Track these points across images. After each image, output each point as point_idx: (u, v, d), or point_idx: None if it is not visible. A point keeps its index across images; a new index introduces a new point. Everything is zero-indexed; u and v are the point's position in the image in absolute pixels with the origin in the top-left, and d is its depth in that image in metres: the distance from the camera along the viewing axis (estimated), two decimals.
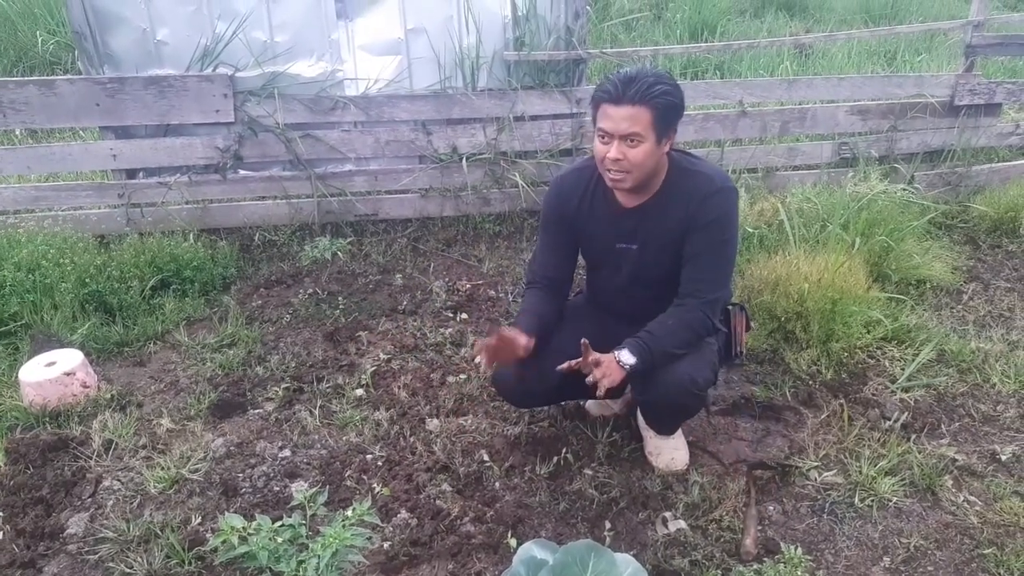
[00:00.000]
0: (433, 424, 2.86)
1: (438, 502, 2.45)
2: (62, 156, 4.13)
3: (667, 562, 2.21)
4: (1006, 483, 2.56)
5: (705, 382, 2.37)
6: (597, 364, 2.21)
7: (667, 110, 2.14)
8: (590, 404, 2.90)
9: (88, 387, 3.00)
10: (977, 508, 2.45)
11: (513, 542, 2.22)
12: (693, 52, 6.46)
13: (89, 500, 2.50)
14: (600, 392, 2.22)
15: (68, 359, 2.98)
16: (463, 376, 3.17)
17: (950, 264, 4.08)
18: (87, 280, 3.56)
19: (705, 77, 6.47)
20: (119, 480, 2.57)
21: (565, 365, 2.25)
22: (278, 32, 4.17)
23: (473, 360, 2.35)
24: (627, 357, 2.23)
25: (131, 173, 4.27)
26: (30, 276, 3.47)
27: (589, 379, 2.22)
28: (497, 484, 2.54)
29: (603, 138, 2.19)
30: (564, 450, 2.63)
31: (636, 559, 1.81)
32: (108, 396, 3.00)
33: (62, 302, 3.46)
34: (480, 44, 4.31)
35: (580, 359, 2.22)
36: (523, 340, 2.31)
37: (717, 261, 2.33)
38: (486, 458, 2.65)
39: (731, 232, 2.34)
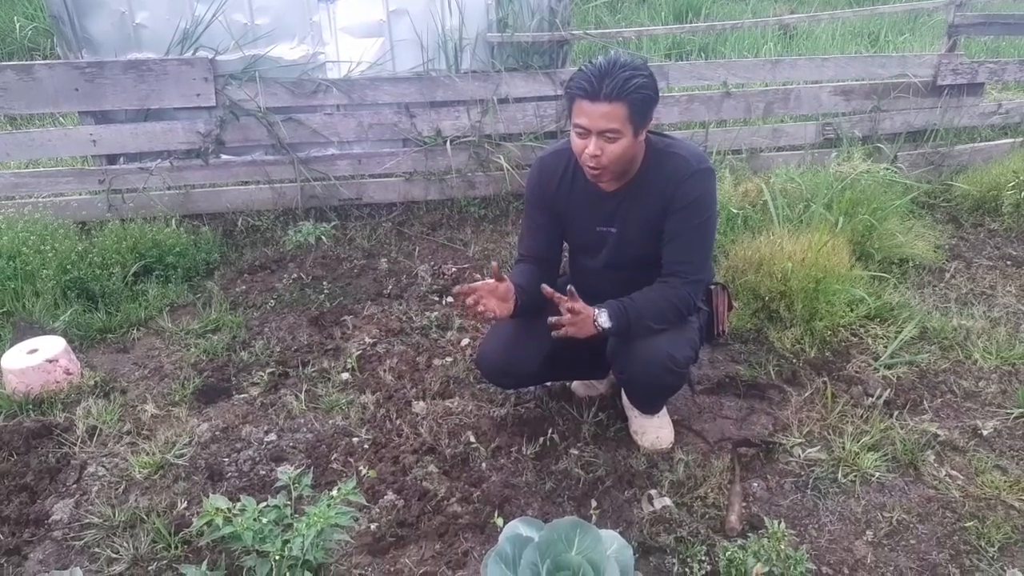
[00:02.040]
0: (419, 407, 2.86)
1: (424, 483, 2.45)
2: (41, 142, 4.08)
3: (653, 539, 2.22)
4: (987, 457, 2.58)
5: (685, 360, 2.38)
6: (574, 312, 2.17)
7: (643, 103, 2.12)
8: (576, 385, 2.90)
9: (71, 374, 2.98)
10: (959, 482, 2.48)
11: (500, 521, 2.21)
12: (677, 33, 6.45)
13: (74, 486, 2.49)
14: (557, 333, 2.18)
15: (51, 346, 2.96)
16: (449, 359, 3.17)
17: (932, 243, 4.11)
18: (68, 267, 3.52)
19: (690, 58, 6.46)
20: (104, 466, 2.56)
21: (548, 291, 2.17)
22: (259, 15, 4.13)
23: (457, 297, 2.24)
24: (604, 320, 2.22)
25: (111, 159, 4.24)
26: (11, 263, 3.43)
27: (552, 319, 2.17)
28: (483, 465, 2.54)
29: (580, 133, 2.18)
30: (550, 430, 2.64)
31: (622, 536, 1.83)
32: (91, 383, 2.98)
33: (44, 289, 3.43)
34: (463, 26, 4.29)
35: (565, 296, 2.17)
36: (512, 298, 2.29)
37: (698, 241, 2.34)
38: (472, 439, 2.65)
39: (710, 212, 2.34)
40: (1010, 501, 2.38)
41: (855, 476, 2.48)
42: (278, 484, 1.95)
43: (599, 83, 2.07)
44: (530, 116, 4.49)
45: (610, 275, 2.49)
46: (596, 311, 2.24)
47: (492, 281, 2.23)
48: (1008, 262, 4.08)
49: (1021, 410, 2.80)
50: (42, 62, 3.98)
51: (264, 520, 1.77)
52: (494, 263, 2.29)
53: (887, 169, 4.32)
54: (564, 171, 2.41)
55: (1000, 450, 2.64)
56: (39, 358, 2.89)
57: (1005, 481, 2.46)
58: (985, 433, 2.71)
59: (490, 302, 2.23)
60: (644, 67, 2.14)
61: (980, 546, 2.23)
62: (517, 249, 2.64)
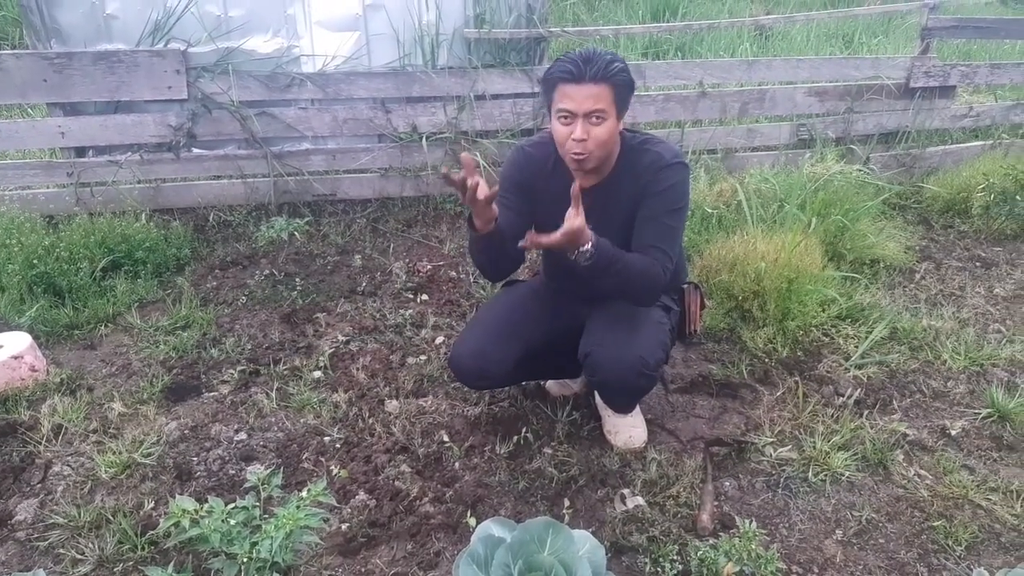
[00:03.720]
0: (392, 405, 2.84)
1: (397, 483, 2.43)
2: (8, 133, 4.00)
3: (625, 538, 2.22)
4: (955, 457, 2.62)
5: (656, 362, 2.37)
6: (575, 230, 2.01)
7: (624, 87, 2.17)
8: (550, 384, 2.90)
9: (37, 371, 2.92)
10: (927, 482, 2.51)
11: (472, 521, 2.21)
12: (654, 32, 6.45)
13: (38, 486, 2.44)
14: (535, 239, 2.03)
15: (16, 342, 2.91)
16: (423, 357, 3.15)
17: (903, 244, 4.16)
18: (35, 261, 3.45)
19: (666, 58, 6.48)
20: (69, 465, 2.51)
21: (531, 241, 2.04)
22: (232, 6, 4.07)
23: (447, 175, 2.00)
24: (589, 241, 2.09)
25: (80, 151, 4.16)
26: None
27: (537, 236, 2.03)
28: (457, 464, 2.53)
29: (565, 118, 2.17)
30: (524, 429, 2.63)
31: (594, 536, 1.82)
32: (57, 380, 2.92)
33: (9, 284, 3.36)
34: (440, 21, 4.27)
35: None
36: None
37: (669, 229, 2.31)
38: (446, 439, 2.64)
39: (683, 203, 2.34)
40: (977, 500, 2.41)
41: (825, 475, 2.50)
42: (247, 484, 1.92)
43: (584, 66, 2.10)
44: (507, 113, 4.48)
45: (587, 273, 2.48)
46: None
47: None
48: (977, 263, 4.14)
49: (989, 410, 2.83)
50: (10, 52, 3.91)
51: (232, 521, 1.74)
52: (465, 155, 2.12)
53: (860, 170, 4.36)
54: (546, 163, 2.39)
55: (968, 450, 2.67)
56: (4, 354, 2.84)
57: (972, 480, 2.49)
58: (953, 433, 2.74)
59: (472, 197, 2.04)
60: (620, 57, 2.19)
61: (948, 545, 2.25)
62: None
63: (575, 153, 2.20)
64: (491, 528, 1.81)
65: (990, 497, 2.42)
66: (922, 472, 2.55)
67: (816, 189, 4.00)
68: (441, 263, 3.99)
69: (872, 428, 2.73)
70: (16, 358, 2.85)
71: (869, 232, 3.99)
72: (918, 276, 3.95)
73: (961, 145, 5.31)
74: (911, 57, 5.00)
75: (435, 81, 4.31)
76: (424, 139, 4.40)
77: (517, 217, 2.46)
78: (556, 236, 2.01)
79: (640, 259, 2.24)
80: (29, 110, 5.13)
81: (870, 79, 4.94)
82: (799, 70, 4.88)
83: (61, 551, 2.17)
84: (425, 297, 3.66)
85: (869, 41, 7.43)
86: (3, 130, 4.00)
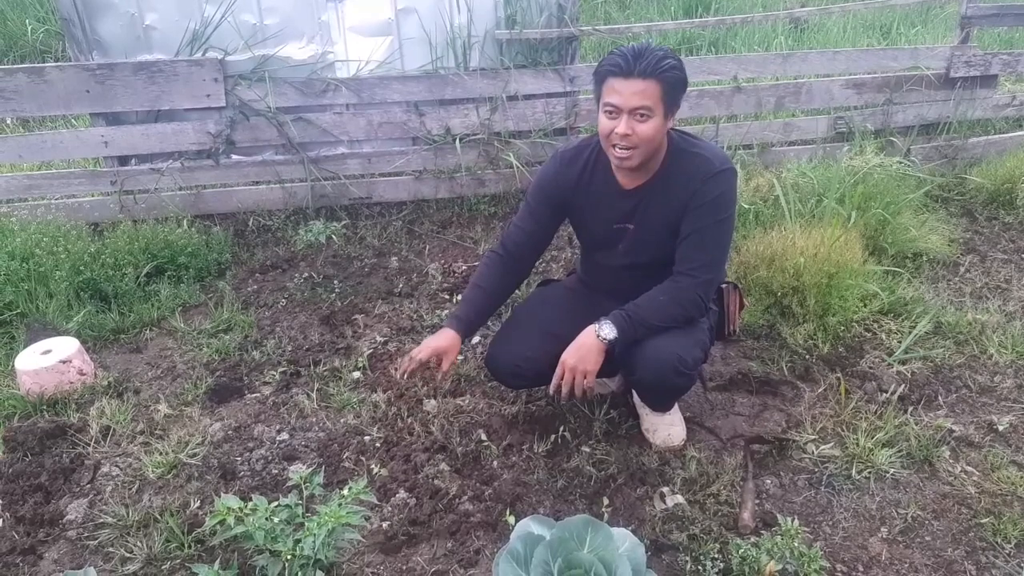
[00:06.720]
0: (430, 405, 2.86)
1: (436, 481, 2.45)
2: (53, 144, 4.11)
3: (665, 536, 2.22)
4: (1003, 453, 2.56)
5: (694, 361, 2.36)
6: (567, 367, 2.29)
7: (675, 84, 2.14)
8: None
9: (85, 374, 2.99)
10: (974, 478, 2.46)
11: (512, 519, 2.21)
12: (687, 28, 6.43)
13: (88, 486, 2.50)
14: (566, 392, 2.31)
15: (64, 347, 2.98)
16: (460, 357, 3.17)
17: (947, 236, 4.07)
18: (81, 268, 3.54)
19: (699, 53, 6.43)
20: (117, 466, 2.57)
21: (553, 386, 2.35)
22: (267, 15, 4.13)
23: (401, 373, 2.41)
24: (608, 331, 2.25)
25: (123, 160, 4.25)
26: (24, 265, 3.45)
27: (553, 385, 2.32)
28: (495, 463, 2.54)
29: (611, 113, 2.16)
30: (561, 428, 2.63)
31: (634, 534, 1.82)
32: (105, 383, 2.99)
33: (57, 290, 3.44)
34: (471, 23, 4.28)
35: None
36: (450, 354, 2.41)
37: (715, 240, 2.31)
38: (484, 437, 2.65)
39: (729, 212, 2.32)
40: None
41: (869, 472, 2.47)
42: (290, 483, 1.95)
43: (634, 61, 2.09)
44: (539, 113, 4.48)
45: (627, 275, 2.47)
46: (597, 325, 2.27)
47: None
48: (1023, 255, 4.04)
49: None
50: (53, 64, 4.01)
51: (276, 519, 1.77)
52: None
53: (900, 163, 4.28)
54: (585, 166, 2.40)
55: (1016, 445, 2.61)
56: (53, 359, 2.91)
57: (1021, 477, 2.44)
58: (1001, 428, 2.68)
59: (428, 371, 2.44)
60: (674, 52, 2.16)
61: (996, 542, 2.21)
62: (502, 238, 2.55)
63: (619, 150, 2.19)
64: (530, 526, 1.81)
65: None
66: (969, 468, 2.50)
67: (855, 182, 3.94)
68: (476, 263, 4.00)
69: (917, 424, 2.68)
70: (65, 362, 2.93)
71: (911, 225, 3.92)
72: (962, 269, 3.87)
73: (1004, 135, 5.18)
74: (951, 46, 4.90)
75: (467, 83, 4.33)
76: (457, 141, 4.42)
77: (539, 231, 2.50)
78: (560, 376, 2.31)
79: (667, 297, 2.31)
80: (73, 121, 5.26)
81: (909, 70, 4.85)
82: (836, 62, 4.81)
83: (110, 550, 2.23)
84: (460, 297, 3.67)
85: (907, 31, 7.30)
86: (48, 141, 4.10)
